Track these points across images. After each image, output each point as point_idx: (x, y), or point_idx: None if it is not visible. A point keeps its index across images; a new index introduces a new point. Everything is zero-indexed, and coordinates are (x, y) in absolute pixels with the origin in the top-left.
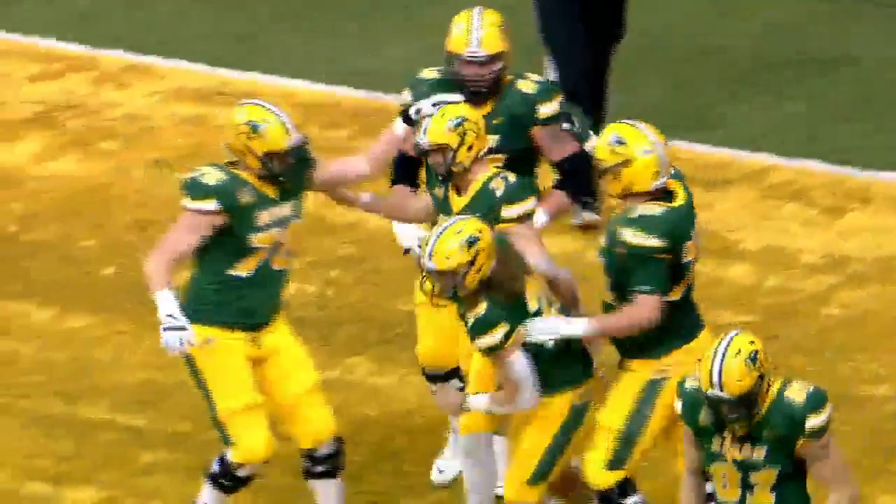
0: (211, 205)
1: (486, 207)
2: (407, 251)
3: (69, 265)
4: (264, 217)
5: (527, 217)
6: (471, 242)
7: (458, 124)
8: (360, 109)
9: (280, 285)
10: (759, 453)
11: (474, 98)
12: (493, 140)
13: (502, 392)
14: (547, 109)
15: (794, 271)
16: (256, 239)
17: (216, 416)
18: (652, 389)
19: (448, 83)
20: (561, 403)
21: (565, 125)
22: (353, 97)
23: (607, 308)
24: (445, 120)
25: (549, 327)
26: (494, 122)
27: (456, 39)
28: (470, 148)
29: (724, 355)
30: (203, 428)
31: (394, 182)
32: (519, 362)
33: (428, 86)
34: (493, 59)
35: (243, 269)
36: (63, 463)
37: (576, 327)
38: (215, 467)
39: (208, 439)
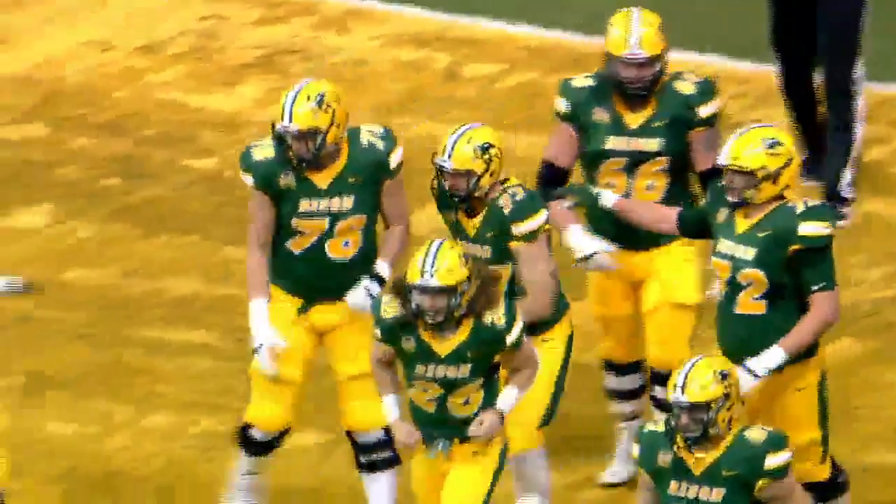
0: (248, 179)
1: (496, 226)
2: (586, 258)
3: None
4: (305, 205)
5: (538, 232)
6: (484, 149)
7: (485, 150)
8: (582, 54)
9: (335, 273)
10: (718, 495)
11: (634, 101)
12: (656, 143)
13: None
14: (705, 111)
15: None
16: (296, 224)
17: (249, 369)
18: (823, 387)
19: (603, 89)
20: (494, 448)
21: None
22: (574, 41)
23: (751, 320)
24: (472, 145)
25: (764, 360)
26: (655, 125)
27: (614, 40)
28: (492, 174)
29: (695, 363)
30: None
31: (544, 188)
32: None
33: (585, 94)
34: (652, 60)
35: (295, 247)
36: None
37: (773, 356)
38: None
39: None
